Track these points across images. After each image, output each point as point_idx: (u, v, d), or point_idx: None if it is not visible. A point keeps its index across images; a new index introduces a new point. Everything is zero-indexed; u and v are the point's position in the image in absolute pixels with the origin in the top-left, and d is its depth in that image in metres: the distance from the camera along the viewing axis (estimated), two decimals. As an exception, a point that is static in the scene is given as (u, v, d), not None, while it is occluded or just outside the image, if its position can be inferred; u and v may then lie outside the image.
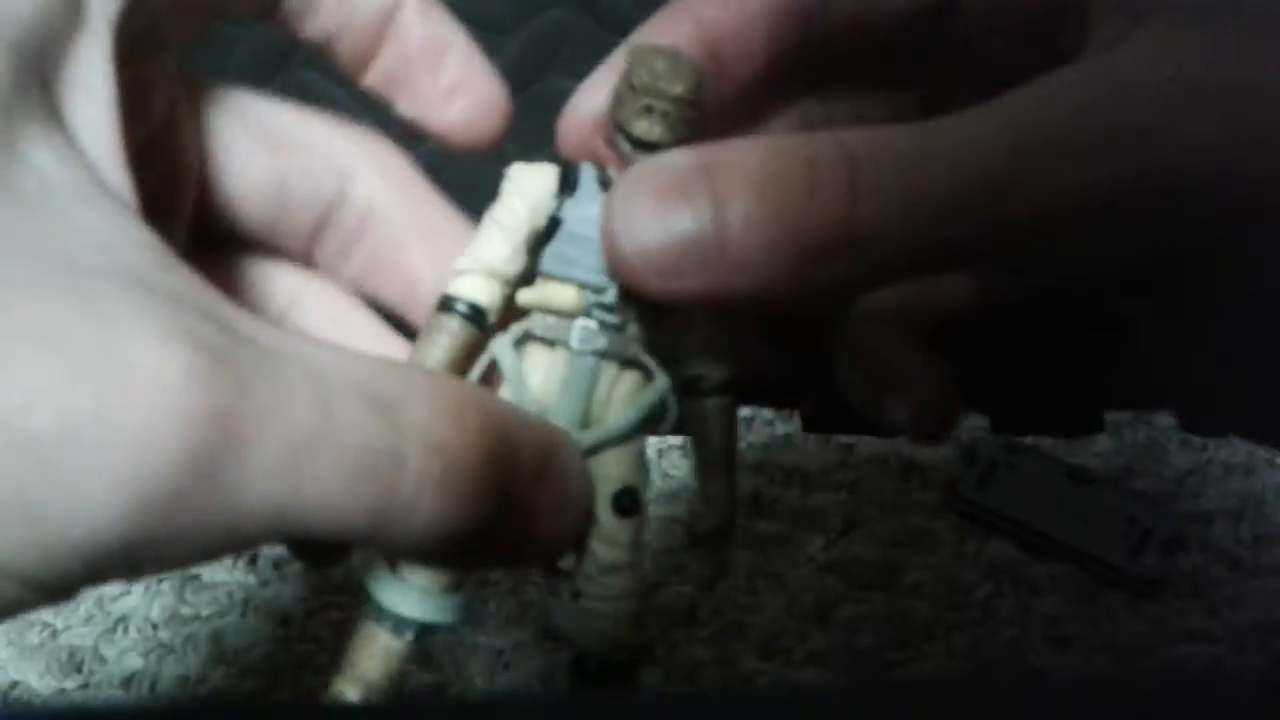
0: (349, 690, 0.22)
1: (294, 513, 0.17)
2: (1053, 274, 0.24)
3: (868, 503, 0.46)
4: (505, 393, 0.22)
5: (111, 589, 0.44)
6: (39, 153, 0.17)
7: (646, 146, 0.21)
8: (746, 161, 0.20)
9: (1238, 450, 0.48)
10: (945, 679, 0.39)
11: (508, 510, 0.19)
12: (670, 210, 0.19)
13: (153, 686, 0.41)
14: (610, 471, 0.22)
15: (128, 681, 0.41)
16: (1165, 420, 0.49)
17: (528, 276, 0.22)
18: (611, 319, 0.22)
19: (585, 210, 0.22)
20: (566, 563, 0.23)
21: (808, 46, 0.25)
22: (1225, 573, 0.43)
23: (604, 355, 0.22)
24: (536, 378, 0.22)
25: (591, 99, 0.24)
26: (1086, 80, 0.20)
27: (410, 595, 0.21)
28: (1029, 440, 0.48)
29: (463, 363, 0.22)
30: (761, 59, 0.24)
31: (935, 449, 0.48)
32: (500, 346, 0.22)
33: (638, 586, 0.23)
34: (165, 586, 0.44)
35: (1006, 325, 0.29)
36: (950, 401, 0.26)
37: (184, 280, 0.17)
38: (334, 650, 0.42)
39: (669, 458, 0.48)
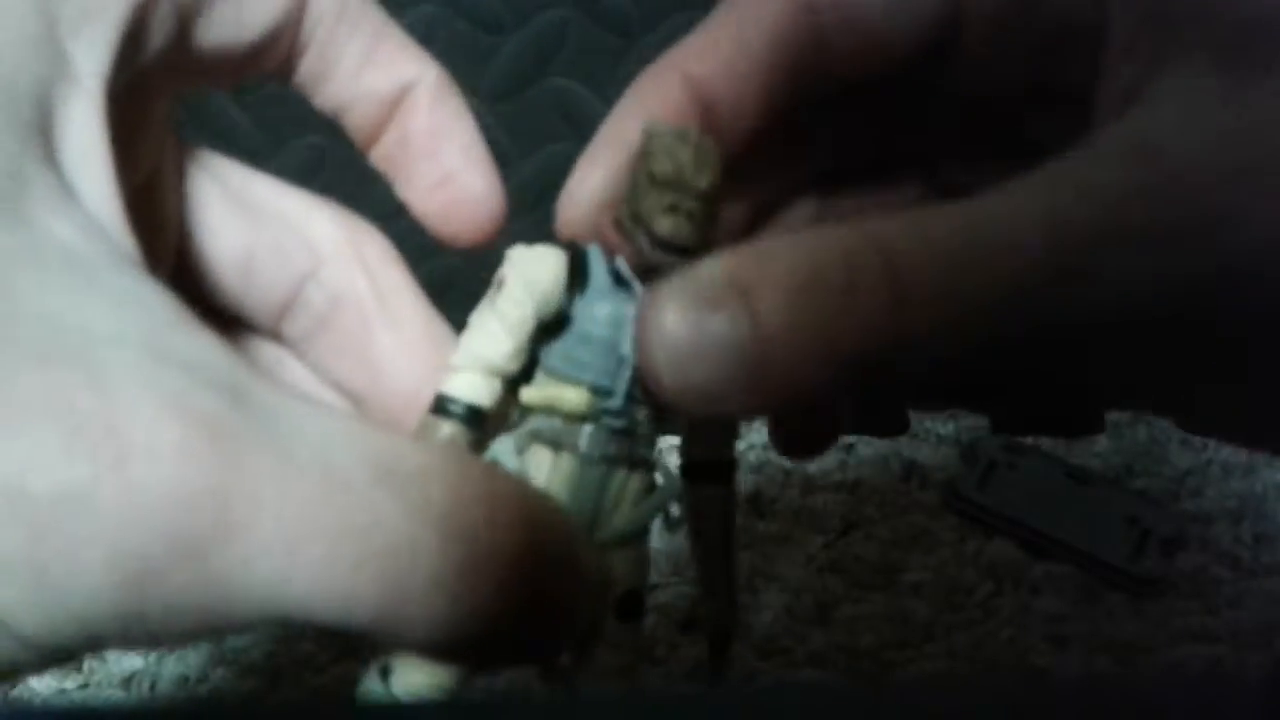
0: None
1: (291, 601, 0.16)
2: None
3: (868, 503, 0.46)
4: None
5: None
6: (58, 223, 0.17)
7: (673, 249, 0.20)
8: (780, 271, 0.19)
9: (1238, 450, 0.48)
10: (945, 679, 0.39)
11: (527, 608, 0.18)
12: (710, 339, 0.18)
13: (153, 686, 0.41)
14: (615, 574, 0.21)
15: (128, 681, 0.41)
16: (1165, 420, 0.49)
17: (527, 369, 0.21)
18: (620, 423, 0.21)
19: (596, 309, 0.20)
20: (564, 660, 0.22)
21: (802, 94, 0.24)
22: (1225, 573, 0.43)
23: (614, 461, 0.21)
24: (540, 479, 0.21)
25: (591, 179, 0.23)
26: (1126, 156, 0.19)
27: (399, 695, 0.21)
28: (1029, 440, 0.48)
29: None
30: (755, 112, 0.23)
31: (935, 449, 0.48)
32: (502, 450, 0.21)
33: (636, 686, 0.22)
34: (165, 586, 0.44)
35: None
36: (824, 419, 0.25)
37: (200, 345, 0.17)
38: (334, 650, 0.42)
39: (669, 458, 0.48)
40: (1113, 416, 0.49)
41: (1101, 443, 0.48)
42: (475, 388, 0.21)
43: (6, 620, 0.15)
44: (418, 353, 0.23)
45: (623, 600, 0.21)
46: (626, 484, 0.21)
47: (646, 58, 0.24)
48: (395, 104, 0.24)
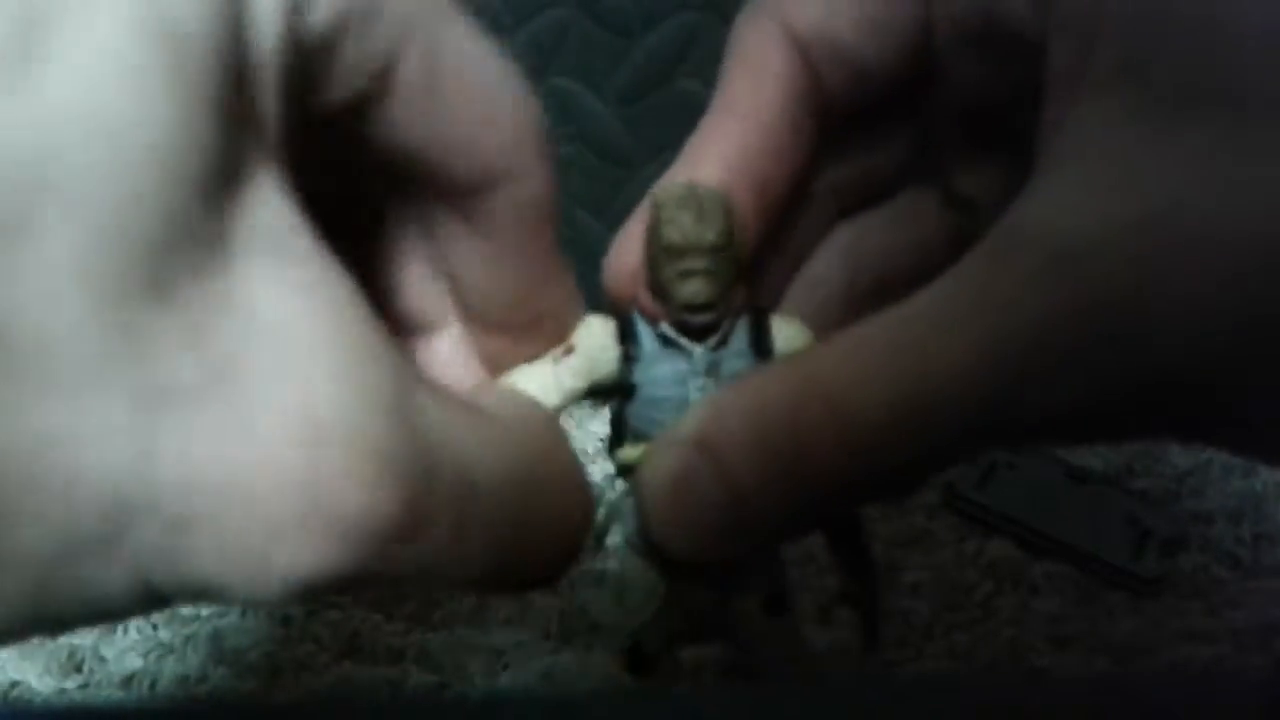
0: None
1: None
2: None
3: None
4: (630, 541, 0.23)
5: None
6: (269, 290, 0.16)
7: (697, 309, 0.22)
8: (737, 427, 0.20)
9: (1238, 450, 0.48)
10: (945, 679, 0.39)
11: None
12: (688, 501, 0.21)
13: (153, 686, 0.41)
14: (754, 588, 0.23)
15: (128, 681, 0.41)
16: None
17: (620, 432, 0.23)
18: None
19: (655, 372, 0.22)
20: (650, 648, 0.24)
21: (819, 129, 0.25)
22: (1225, 573, 0.43)
23: None
24: None
25: (630, 251, 0.23)
26: (1042, 257, 0.19)
27: None
28: (1029, 440, 0.48)
29: None
30: (795, 161, 0.24)
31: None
32: (615, 505, 0.23)
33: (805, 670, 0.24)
34: (165, 586, 0.44)
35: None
36: None
37: (384, 375, 0.17)
38: (334, 650, 0.42)
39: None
40: (1113, 416, 0.49)
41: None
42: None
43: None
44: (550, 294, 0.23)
45: (769, 603, 0.24)
46: None
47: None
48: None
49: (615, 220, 0.24)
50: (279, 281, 0.16)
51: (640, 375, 0.22)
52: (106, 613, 0.16)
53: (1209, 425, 0.21)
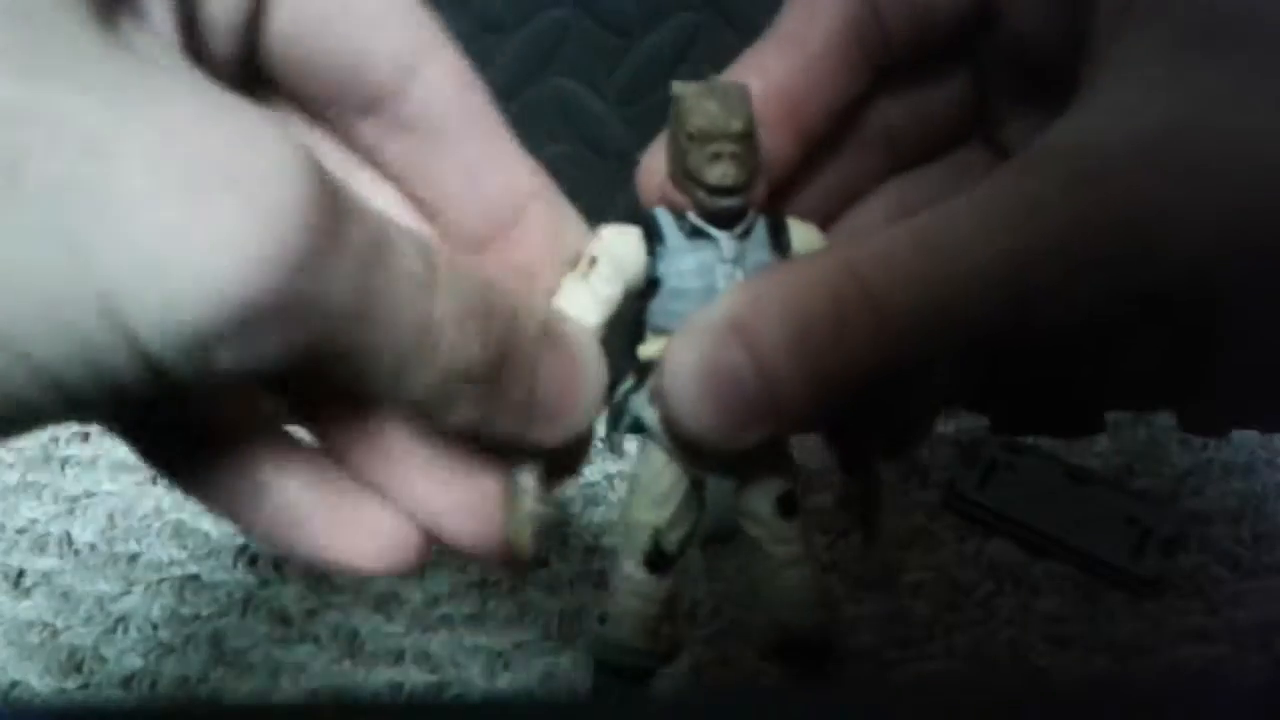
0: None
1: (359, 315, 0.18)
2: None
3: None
4: (655, 438, 0.23)
5: (111, 589, 0.44)
6: (143, 42, 0.18)
7: (725, 192, 0.22)
8: (775, 312, 0.21)
9: (1238, 450, 0.48)
10: (945, 679, 0.39)
11: (513, 368, 0.21)
12: (719, 382, 0.21)
13: (153, 686, 0.41)
14: (767, 479, 0.24)
15: (128, 681, 0.41)
16: (1165, 420, 0.49)
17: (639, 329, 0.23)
18: None
19: (680, 264, 0.23)
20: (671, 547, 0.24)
21: (870, 65, 0.25)
22: (1225, 573, 0.43)
23: None
24: None
25: (660, 157, 0.24)
26: (1073, 180, 0.20)
27: None
28: (1029, 440, 0.48)
29: (543, 474, 0.23)
30: (836, 94, 0.25)
31: (935, 449, 0.48)
32: (640, 406, 0.23)
33: (815, 572, 0.24)
34: (165, 587, 0.44)
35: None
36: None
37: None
38: (334, 650, 0.42)
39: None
40: (1113, 416, 0.49)
41: (1101, 443, 0.48)
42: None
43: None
44: (505, 168, 0.24)
45: (781, 501, 0.24)
46: None
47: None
48: (502, 220, 0.24)
49: (615, 220, 0.24)
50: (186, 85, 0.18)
51: (665, 268, 0.23)
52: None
53: (1205, 351, 0.22)
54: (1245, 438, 0.48)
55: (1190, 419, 0.49)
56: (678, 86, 0.22)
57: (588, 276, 0.23)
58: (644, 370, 0.23)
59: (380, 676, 0.41)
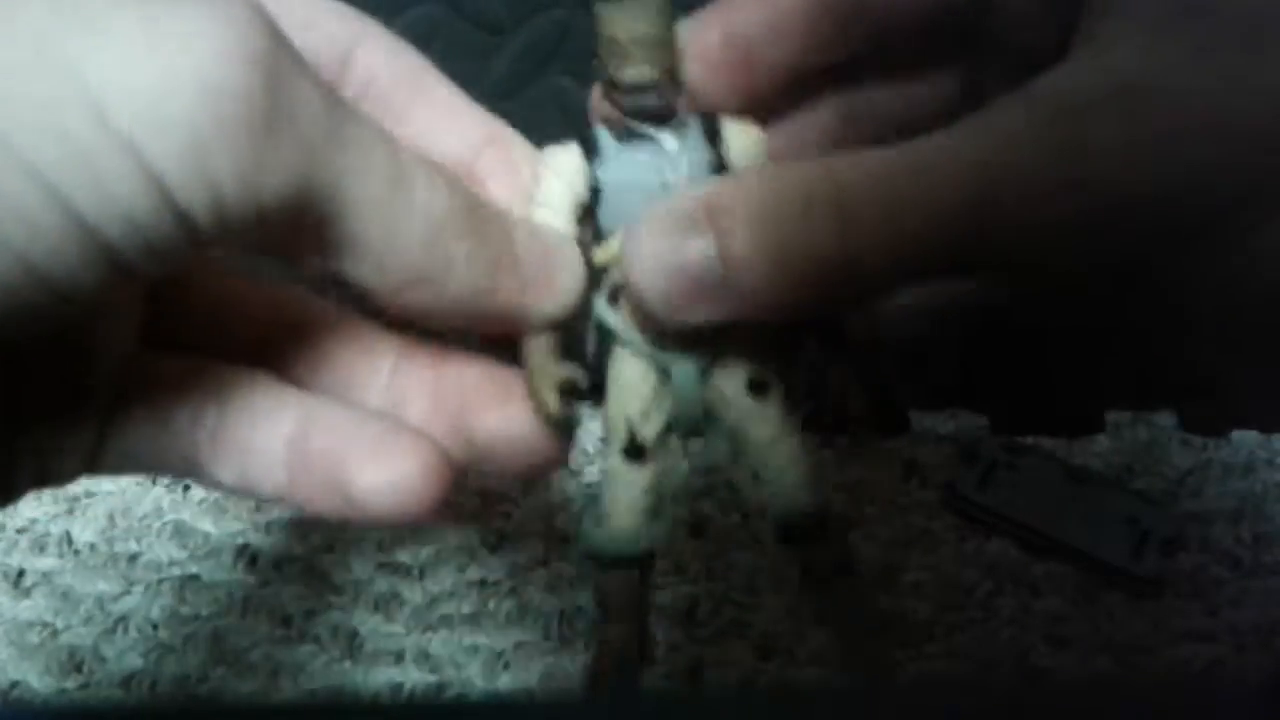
0: None
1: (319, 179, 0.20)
2: (1037, 281, 0.26)
3: (868, 503, 0.46)
4: (619, 340, 0.24)
5: (111, 589, 0.44)
6: None
7: (641, 90, 0.23)
8: (746, 199, 0.22)
9: (1238, 450, 0.48)
10: (945, 679, 0.39)
11: (488, 228, 0.23)
12: (679, 252, 0.22)
13: (153, 686, 0.41)
14: (736, 363, 0.24)
15: (128, 681, 0.41)
16: (1165, 420, 0.49)
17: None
18: None
19: (616, 168, 0.24)
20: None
21: (842, 36, 0.26)
22: (1225, 573, 0.43)
23: None
24: (634, 326, 0.24)
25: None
26: (1053, 120, 0.22)
27: None
28: (1029, 440, 0.48)
29: (557, 343, 0.24)
30: (795, 53, 0.26)
31: (935, 449, 0.48)
32: (601, 308, 0.24)
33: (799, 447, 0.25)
34: (165, 587, 0.44)
35: (1006, 327, 0.29)
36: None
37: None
38: (334, 650, 0.42)
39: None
40: (1113, 416, 0.49)
41: (1101, 443, 0.48)
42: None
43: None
44: (457, 123, 0.26)
45: (752, 383, 0.24)
46: None
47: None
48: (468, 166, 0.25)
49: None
50: None
51: (604, 175, 0.24)
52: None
53: (1148, 297, 0.24)
54: (1245, 438, 0.48)
55: (1190, 419, 0.49)
56: (598, 5, 0.23)
57: (541, 200, 0.24)
58: (600, 274, 0.24)
59: (380, 676, 0.41)
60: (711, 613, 0.42)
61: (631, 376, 0.24)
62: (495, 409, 0.24)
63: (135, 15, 0.18)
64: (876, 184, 0.21)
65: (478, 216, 0.23)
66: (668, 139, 0.24)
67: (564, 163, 0.24)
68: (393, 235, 0.21)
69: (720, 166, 0.24)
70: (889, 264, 0.22)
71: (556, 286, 0.24)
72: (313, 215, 0.20)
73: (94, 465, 0.24)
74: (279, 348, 0.25)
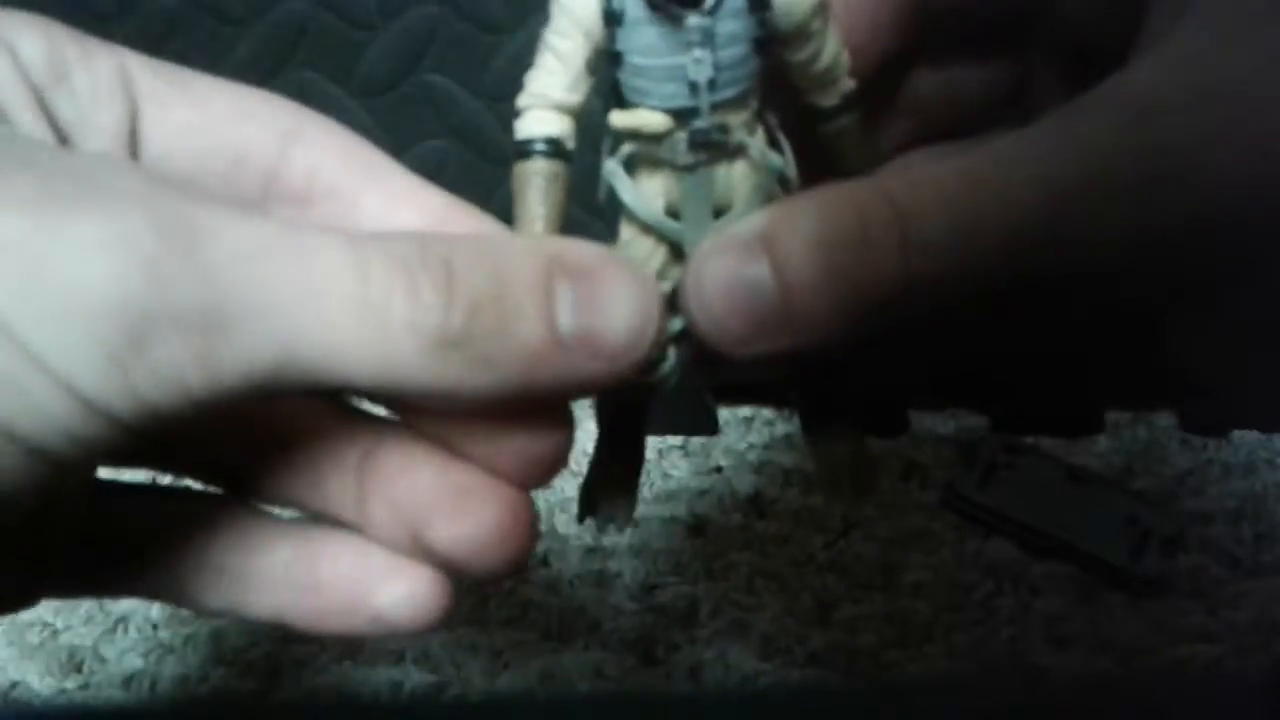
0: None
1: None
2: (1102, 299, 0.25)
3: (868, 503, 0.46)
4: (629, 211, 0.23)
5: (111, 589, 0.44)
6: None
7: None
8: (802, 224, 0.21)
9: (1238, 450, 0.48)
10: (945, 679, 0.39)
11: (507, 309, 0.20)
12: (739, 289, 0.21)
13: (153, 686, 0.41)
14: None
15: (128, 681, 0.41)
16: (1165, 420, 0.49)
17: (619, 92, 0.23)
18: (707, 124, 0.22)
19: (638, 39, 0.22)
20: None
21: (898, 26, 0.26)
22: (1225, 573, 0.43)
23: (712, 162, 0.22)
24: (653, 194, 0.23)
25: None
26: (1126, 126, 0.21)
27: None
28: (1029, 440, 0.48)
29: (564, 201, 0.23)
30: (852, 41, 0.25)
31: (935, 449, 0.48)
32: (613, 172, 0.23)
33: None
34: (165, 586, 0.44)
35: (1006, 325, 0.29)
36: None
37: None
38: (334, 650, 0.42)
39: (669, 458, 0.48)
40: (1113, 416, 0.49)
41: (1101, 443, 0.48)
42: (546, 121, 0.23)
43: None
44: (408, 204, 0.25)
45: None
46: (732, 168, 0.23)
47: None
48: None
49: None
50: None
51: (625, 43, 0.22)
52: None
53: (1216, 296, 0.23)
54: (1245, 438, 0.48)
55: (1190, 419, 0.49)
56: None
57: (552, 44, 0.23)
58: (618, 138, 0.23)
59: (380, 676, 0.41)
60: (711, 613, 0.42)
61: (639, 251, 0.23)
62: (450, 519, 0.23)
63: (30, 225, 0.17)
64: (935, 199, 0.21)
65: (485, 307, 0.20)
66: (694, 21, 0.22)
67: (579, 6, 0.22)
68: (392, 365, 0.20)
69: (761, 40, 0.22)
70: (953, 283, 0.21)
71: (623, 343, 0.21)
72: (282, 383, 0.19)
73: (28, 600, 0.24)
74: (245, 460, 0.25)
